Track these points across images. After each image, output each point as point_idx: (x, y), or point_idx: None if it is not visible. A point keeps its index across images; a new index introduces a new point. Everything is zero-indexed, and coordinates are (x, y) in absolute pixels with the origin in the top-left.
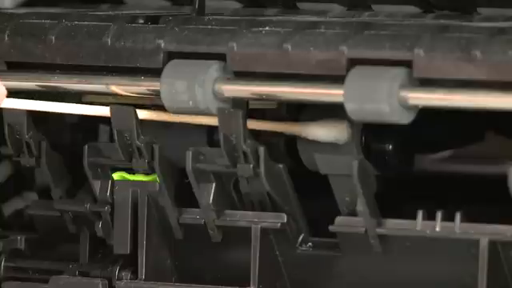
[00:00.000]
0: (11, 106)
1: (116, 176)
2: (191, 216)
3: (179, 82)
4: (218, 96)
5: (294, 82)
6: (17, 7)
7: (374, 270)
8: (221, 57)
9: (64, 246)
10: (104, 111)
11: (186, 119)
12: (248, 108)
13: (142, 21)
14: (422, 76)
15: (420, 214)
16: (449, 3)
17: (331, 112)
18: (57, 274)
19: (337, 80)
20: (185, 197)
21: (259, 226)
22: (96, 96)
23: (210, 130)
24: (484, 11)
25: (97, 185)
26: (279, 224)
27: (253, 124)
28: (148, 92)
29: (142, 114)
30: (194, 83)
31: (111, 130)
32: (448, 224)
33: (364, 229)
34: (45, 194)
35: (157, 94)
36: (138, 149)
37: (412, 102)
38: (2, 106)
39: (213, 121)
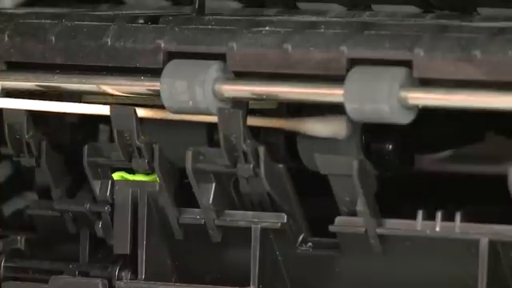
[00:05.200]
0: (10, 106)
1: (116, 176)
2: (191, 216)
3: (179, 81)
4: (218, 96)
5: (294, 82)
6: (17, 7)
7: (374, 270)
8: (221, 57)
9: (64, 246)
10: (97, 109)
11: (187, 117)
12: (248, 108)
13: (141, 21)
14: (421, 76)
15: (420, 213)
16: (449, 3)
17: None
18: (57, 274)
19: (337, 80)
20: (185, 197)
21: (259, 226)
22: (96, 96)
23: (210, 129)
24: (484, 11)
25: (97, 185)
26: (279, 224)
27: (251, 121)
28: (148, 92)
29: (142, 113)
30: (194, 83)
31: (111, 129)
32: (448, 224)
33: (364, 229)
34: (45, 194)
35: (157, 93)
36: (138, 149)
37: (412, 101)
38: (1, 106)
39: (212, 118)
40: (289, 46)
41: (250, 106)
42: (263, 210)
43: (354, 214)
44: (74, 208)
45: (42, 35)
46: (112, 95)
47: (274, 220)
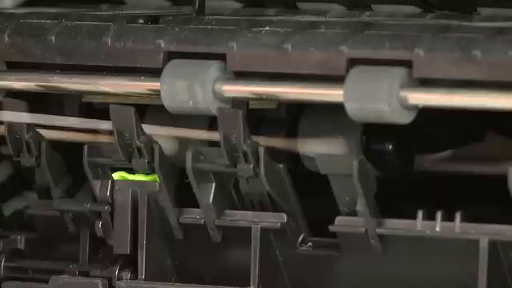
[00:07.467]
0: (13, 120)
1: (116, 176)
2: (191, 216)
3: (179, 81)
4: (217, 96)
5: (293, 82)
6: (17, 7)
7: (374, 270)
8: (221, 57)
9: (64, 246)
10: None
11: (185, 134)
12: (248, 108)
13: (141, 21)
14: (421, 76)
15: (420, 213)
16: (449, 3)
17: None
18: (57, 273)
19: (337, 80)
20: (185, 197)
21: (259, 226)
22: (96, 96)
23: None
24: (484, 11)
25: (97, 185)
26: (279, 224)
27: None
28: (148, 92)
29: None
30: (194, 83)
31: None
32: (448, 224)
33: (364, 229)
34: (45, 194)
35: (157, 93)
36: (138, 149)
37: (412, 101)
38: (4, 118)
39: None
40: (289, 46)
41: (250, 106)
42: (263, 210)
43: (354, 214)
44: (74, 208)
45: (42, 35)
46: (112, 95)
47: (274, 220)
